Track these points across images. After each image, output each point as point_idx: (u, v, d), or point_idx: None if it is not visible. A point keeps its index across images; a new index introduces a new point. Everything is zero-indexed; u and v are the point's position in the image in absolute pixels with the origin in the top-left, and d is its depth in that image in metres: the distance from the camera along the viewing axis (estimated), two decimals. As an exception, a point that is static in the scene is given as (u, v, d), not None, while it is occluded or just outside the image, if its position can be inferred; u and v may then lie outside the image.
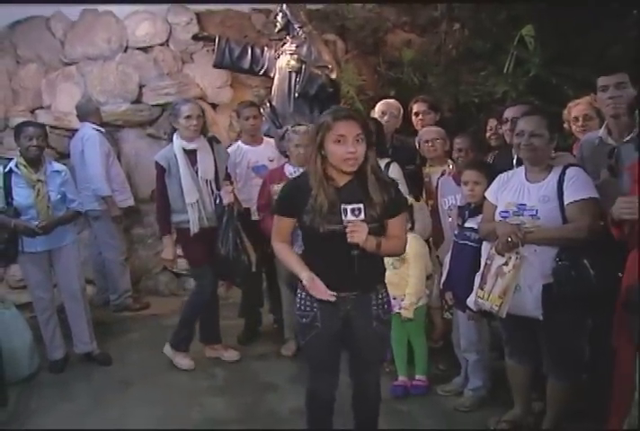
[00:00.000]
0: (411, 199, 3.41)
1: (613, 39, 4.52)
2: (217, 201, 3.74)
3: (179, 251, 4.03)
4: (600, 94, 2.83)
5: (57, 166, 3.94)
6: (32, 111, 5.62)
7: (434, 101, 4.49)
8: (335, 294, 2.31)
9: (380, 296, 2.45)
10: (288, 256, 2.46)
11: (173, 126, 3.81)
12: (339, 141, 2.26)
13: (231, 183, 3.93)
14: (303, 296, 2.43)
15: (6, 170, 3.74)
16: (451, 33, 5.91)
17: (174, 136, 3.77)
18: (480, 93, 5.35)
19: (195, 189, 3.71)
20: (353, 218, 2.23)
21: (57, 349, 3.98)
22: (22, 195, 3.72)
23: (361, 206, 2.24)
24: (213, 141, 3.91)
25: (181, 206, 3.71)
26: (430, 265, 3.60)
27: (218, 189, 3.79)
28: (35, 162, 3.78)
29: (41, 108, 5.66)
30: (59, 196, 3.84)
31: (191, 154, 3.75)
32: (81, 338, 4.02)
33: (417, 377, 3.54)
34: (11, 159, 3.88)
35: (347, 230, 2.23)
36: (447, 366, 3.71)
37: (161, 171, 3.73)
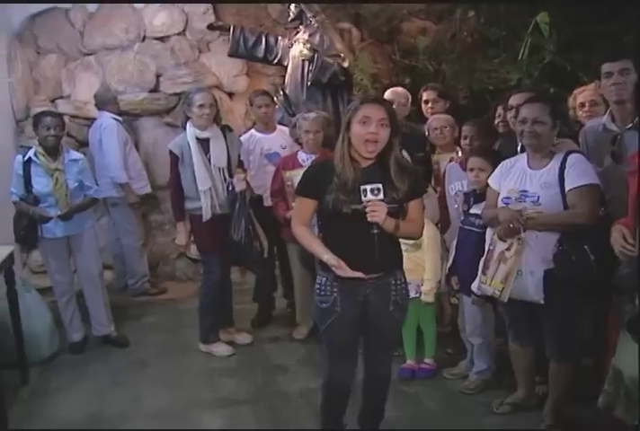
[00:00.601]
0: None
1: (627, 27, 4.47)
2: (230, 188, 3.80)
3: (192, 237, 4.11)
4: (604, 81, 2.84)
5: (75, 155, 4.03)
6: (53, 101, 5.69)
7: (444, 89, 4.49)
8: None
9: (399, 282, 2.49)
10: (310, 239, 2.47)
11: (186, 114, 3.86)
12: (364, 122, 2.31)
13: (244, 170, 3.99)
14: (323, 282, 2.45)
15: (25, 158, 3.83)
16: (466, 20, 5.86)
17: (188, 125, 3.82)
18: (495, 80, 5.32)
19: (208, 176, 3.76)
20: (372, 197, 2.27)
21: (76, 332, 4.11)
22: (40, 183, 3.81)
23: (380, 185, 2.27)
24: (226, 129, 3.96)
25: (194, 193, 3.77)
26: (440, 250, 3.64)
27: (231, 176, 3.84)
28: (53, 151, 3.86)
29: (61, 97, 5.74)
30: (77, 184, 3.92)
31: (203, 143, 3.80)
32: (99, 320, 4.14)
33: (425, 360, 3.61)
34: (31, 147, 3.98)
35: (367, 209, 2.27)
36: (455, 350, 3.76)
37: (174, 159, 3.79)
